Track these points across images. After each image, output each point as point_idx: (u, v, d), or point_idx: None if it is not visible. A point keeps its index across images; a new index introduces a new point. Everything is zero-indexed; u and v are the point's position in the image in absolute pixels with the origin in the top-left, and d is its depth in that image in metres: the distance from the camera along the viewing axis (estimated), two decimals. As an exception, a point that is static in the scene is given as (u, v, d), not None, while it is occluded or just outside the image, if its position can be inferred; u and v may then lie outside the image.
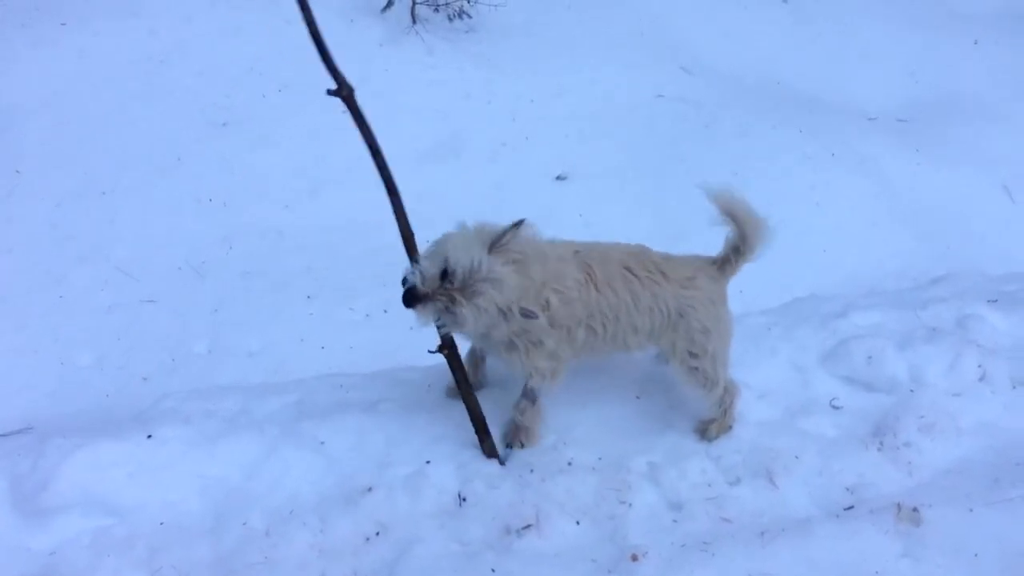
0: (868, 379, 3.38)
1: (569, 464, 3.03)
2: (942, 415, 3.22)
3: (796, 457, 3.07)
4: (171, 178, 5.01)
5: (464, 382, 2.95)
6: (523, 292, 2.57)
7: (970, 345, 3.47)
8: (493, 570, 2.69)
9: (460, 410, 2.99)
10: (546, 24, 6.59)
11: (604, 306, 2.78)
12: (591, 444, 3.10)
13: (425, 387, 3.30)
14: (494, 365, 3.20)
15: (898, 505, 2.84)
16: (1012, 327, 3.66)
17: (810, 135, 5.73)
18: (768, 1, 7.29)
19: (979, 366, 3.41)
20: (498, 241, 2.53)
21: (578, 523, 2.87)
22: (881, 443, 3.16)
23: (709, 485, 3.00)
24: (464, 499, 2.91)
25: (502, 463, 3.01)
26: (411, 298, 2.49)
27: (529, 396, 2.98)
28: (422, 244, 2.72)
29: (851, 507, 2.93)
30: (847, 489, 3.02)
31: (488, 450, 3.02)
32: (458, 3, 6.32)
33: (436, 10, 6.32)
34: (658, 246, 3.03)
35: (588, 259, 2.78)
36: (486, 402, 3.08)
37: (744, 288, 3.25)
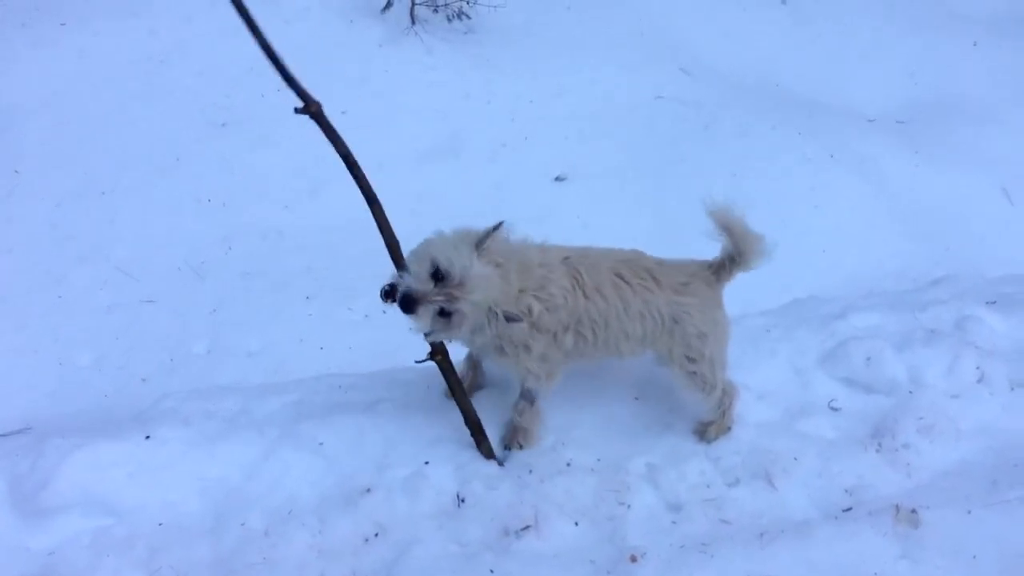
0: (867, 381, 3.38)
1: (568, 465, 3.03)
2: (941, 417, 3.22)
3: (795, 459, 3.07)
4: (171, 178, 5.01)
5: (458, 387, 2.94)
6: (505, 297, 2.58)
7: (969, 347, 3.48)
8: (492, 571, 2.69)
9: (459, 411, 2.99)
10: (545, 24, 6.59)
11: (593, 312, 2.78)
12: (590, 445, 3.11)
13: (424, 388, 3.30)
14: (493, 366, 3.20)
15: (897, 507, 2.84)
16: (1011, 329, 3.67)
17: (809, 136, 5.73)
18: (767, 2, 7.29)
19: (978, 368, 3.41)
20: (482, 242, 2.53)
21: (577, 524, 2.87)
22: (880, 445, 3.16)
23: (708, 486, 3.00)
24: (463, 500, 2.91)
25: (501, 464, 3.02)
26: (410, 302, 2.46)
27: (527, 397, 2.99)
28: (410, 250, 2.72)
29: (850, 508, 2.93)
30: (846, 491, 3.02)
31: (486, 452, 3.02)
32: (457, 4, 6.32)
33: (435, 11, 6.32)
34: (658, 246, 3.03)
35: (577, 265, 2.78)
36: (485, 403, 3.09)
37: (743, 289, 3.25)
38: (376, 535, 2.82)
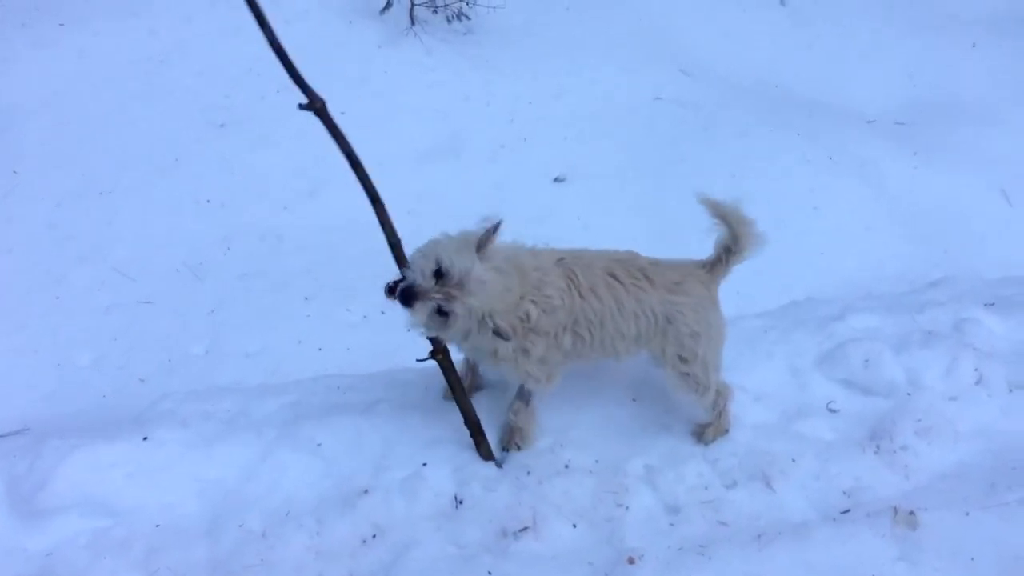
0: (865, 383, 3.38)
1: (566, 467, 3.03)
2: (939, 419, 3.22)
3: (793, 460, 3.07)
4: (170, 178, 5.02)
5: (458, 386, 2.95)
6: (505, 304, 2.59)
7: (967, 349, 3.48)
8: (490, 573, 2.69)
9: (457, 412, 2.99)
10: (545, 25, 6.60)
11: (589, 312, 2.80)
12: (588, 447, 3.11)
13: (422, 389, 3.30)
14: (488, 369, 3.21)
15: (895, 509, 2.83)
16: (1009, 331, 3.67)
17: (808, 137, 5.74)
18: (767, 3, 7.30)
19: (976, 370, 3.41)
20: (482, 243, 2.54)
21: (575, 526, 2.87)
22: (878, 447, 3.16)
23: (706, 488, 3.00)
24: (461, 501, 2.91)
25: (499, 466, 3.02)
26: (410, 295, 2.50)
27: (522, 397, 2.99)
28: (411, 249, 2.72)
29: (848, 511, 2.93)
30: (844, 493, 3.02)
31: (484, 453, 3.02)
32: (457, 5, 6.33)
33: (435, 12, 6.33)
34: (657, 247, 3.03)
35: (572, 266, 2.80)
36: (483, 404, 3.08)
37: (741, 290, 3.25)
38: (374, 536, 2.82)
